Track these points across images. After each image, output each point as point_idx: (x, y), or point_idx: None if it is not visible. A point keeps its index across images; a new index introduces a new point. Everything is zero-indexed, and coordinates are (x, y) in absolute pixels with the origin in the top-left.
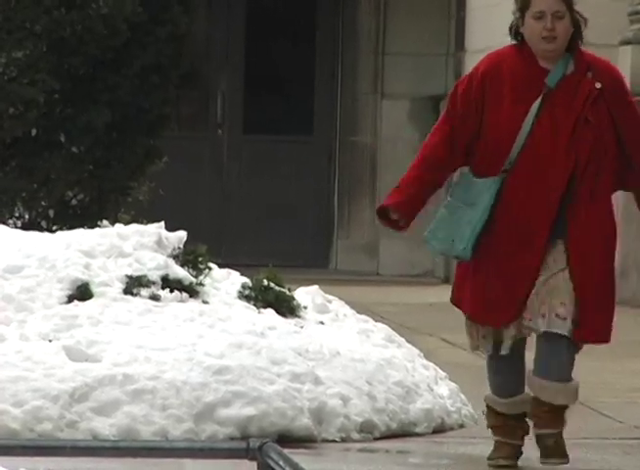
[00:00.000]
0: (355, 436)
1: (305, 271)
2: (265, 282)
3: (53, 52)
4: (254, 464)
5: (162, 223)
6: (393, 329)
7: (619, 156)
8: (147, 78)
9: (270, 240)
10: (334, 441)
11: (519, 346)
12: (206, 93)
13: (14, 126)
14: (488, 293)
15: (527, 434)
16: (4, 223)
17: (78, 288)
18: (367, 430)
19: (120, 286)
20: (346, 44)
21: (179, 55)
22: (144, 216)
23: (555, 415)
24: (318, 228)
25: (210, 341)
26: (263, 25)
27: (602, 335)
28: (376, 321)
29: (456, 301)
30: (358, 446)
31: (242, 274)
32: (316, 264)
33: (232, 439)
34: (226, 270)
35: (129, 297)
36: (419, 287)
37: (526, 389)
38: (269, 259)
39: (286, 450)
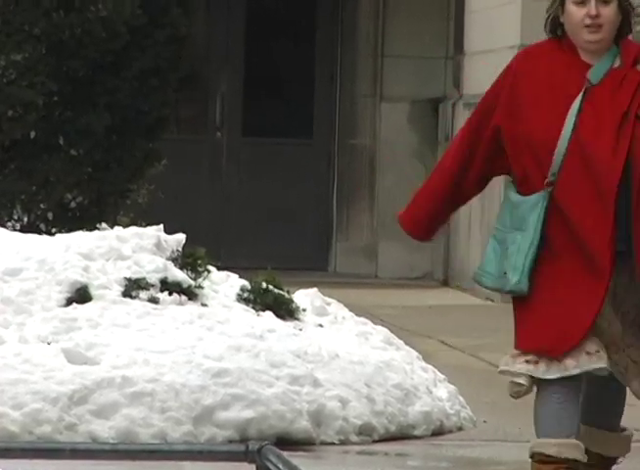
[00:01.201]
0: (354, 438)
1: (304, 274)
2: (264, 285)
3: (52, 55)
4: (253, 467)
5: (161, 226)
6: (392, 331)
7: None
8: (146, 81)
9: (269, 243)
10: (332, 443)
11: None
12: (206, 96)
13: (13, 129)
14: (551, 323)
15: None
16: (3, 226)
17: (77, 291)
18: (366, 432)
19: (119, 289)
20: (346, 46)
21: (178, 58)
22: (143, 219)
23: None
24: (317, 231)
25: (209, 343)
26: (263, 28)
27: None
28: (375, 324)
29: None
30: (357, 448)
31: (241, 277)
32: (315, 267)
33: (231, 441)
34: (225, 273)
35: (128, 299)
36: (418, 290)
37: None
38: (268, 262)
39: (285, 453)
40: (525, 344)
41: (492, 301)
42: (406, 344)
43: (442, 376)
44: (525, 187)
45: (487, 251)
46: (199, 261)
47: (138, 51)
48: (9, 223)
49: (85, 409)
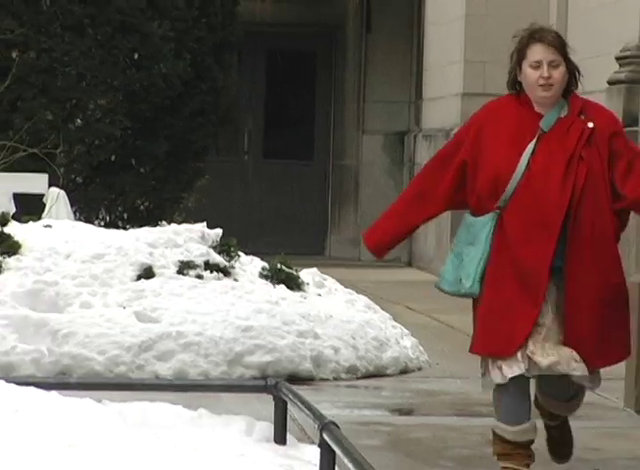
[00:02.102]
0: (343, 376)
1: (307, 258)
2: (279, 265)
3: (127, 100)
4: (271, 397)
5: (205, 223)
6: (371, 299)
7: (614, 195)
8: (194, 119)
9: (282, 235)
10: (328, 379)
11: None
12: (236, 129)
13: (99, 154)
14: (494, 326)
15: (533, 462)
16: (91, 223)
17: (144, 269)
18: (352, 372)
19: (175, 268)
20: (337, 94)
21: (217, 102)
22: (192, 218)
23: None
24: (317, 227)
25: (239, 307)
26: (278, 81)
27: (614, 357)
28: (358, 293)
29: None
30: (345, 383)
31: (262, 260)
32: (315, 253)
33: (255, 378)
34: (250, 257)
35: (181, 276)
36: (389, 269)
37: (533, 417)
38: (281, 249)
39: (293, 387)
40: (478, 349)
41: None
42: (381, 308)
43: (407, 331)
44: (478, 210)
45: (446, 262)
46: (231, 248)
47: (188, 97)
48: (95, 221)
49: (150, 355)
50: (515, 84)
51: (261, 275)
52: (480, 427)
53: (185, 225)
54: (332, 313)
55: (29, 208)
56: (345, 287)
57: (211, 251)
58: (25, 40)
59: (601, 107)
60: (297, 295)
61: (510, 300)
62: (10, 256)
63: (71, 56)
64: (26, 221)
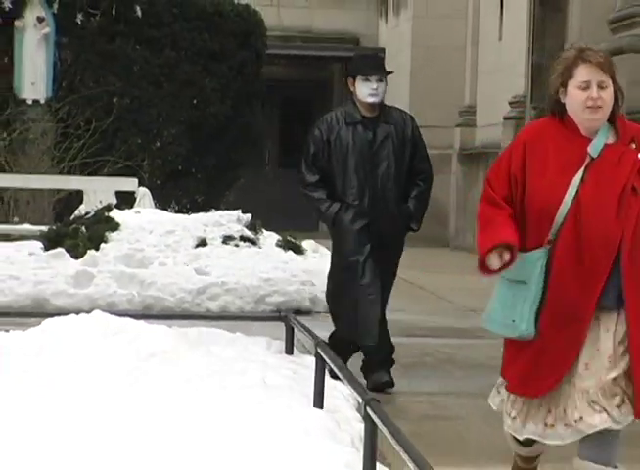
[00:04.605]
0: None
1: (307, 233)
2: (289, 238)
3: (189, 130)
4: (283, 324)
5: (240, 210)
6: None
7: None
8: (234, 144)
9: (291, 218)
10: (320, 313)
11: None
12: (261, 150)
13: (171, 165)
14: (533, 367)
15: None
16: (166, 210)
17: (200, 240)
18: None
19: (220, 240)
20: None
21: (248, 132)
22: (231, 207)
23: None
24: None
25: (262, 265)
26: (289, 118)
27: None
28: None
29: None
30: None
31: (277, 234)
32: (313, 229)
33: (272, 312)
34: (270, 232)
35: (224, 245)
36: None
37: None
38: (290, 227)
39: (298, 317)
40: (514, 389)
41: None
42: None
43: None
44: (525, 242)
45: (494, 300)
46: (258, 227)
47: (229, 129)
48: (169, 209)
49: (205, 296)
50: (556, 106)
51: (277, 244)
52: (419, 344)
53: (227, 212)
54: (323, 269)
55: (125, 200)
56: None
57: (244, 228)
58: (123, 91)
59: None
60: (300, 257)
61: (545, 340)
62: (112, 231)
63: (153, 102)
64: (123, 209)
